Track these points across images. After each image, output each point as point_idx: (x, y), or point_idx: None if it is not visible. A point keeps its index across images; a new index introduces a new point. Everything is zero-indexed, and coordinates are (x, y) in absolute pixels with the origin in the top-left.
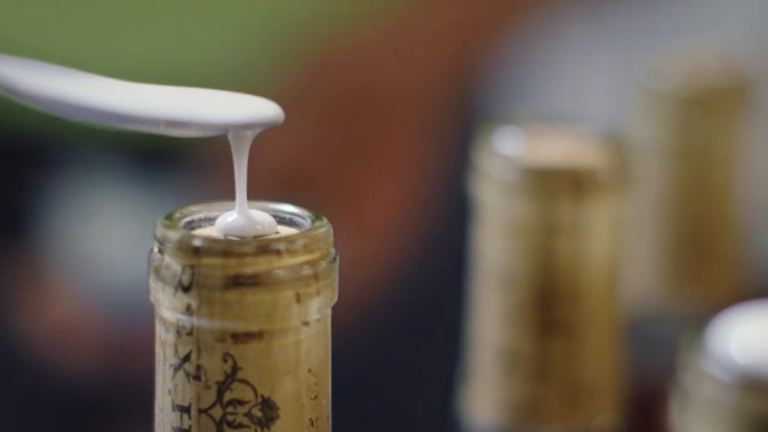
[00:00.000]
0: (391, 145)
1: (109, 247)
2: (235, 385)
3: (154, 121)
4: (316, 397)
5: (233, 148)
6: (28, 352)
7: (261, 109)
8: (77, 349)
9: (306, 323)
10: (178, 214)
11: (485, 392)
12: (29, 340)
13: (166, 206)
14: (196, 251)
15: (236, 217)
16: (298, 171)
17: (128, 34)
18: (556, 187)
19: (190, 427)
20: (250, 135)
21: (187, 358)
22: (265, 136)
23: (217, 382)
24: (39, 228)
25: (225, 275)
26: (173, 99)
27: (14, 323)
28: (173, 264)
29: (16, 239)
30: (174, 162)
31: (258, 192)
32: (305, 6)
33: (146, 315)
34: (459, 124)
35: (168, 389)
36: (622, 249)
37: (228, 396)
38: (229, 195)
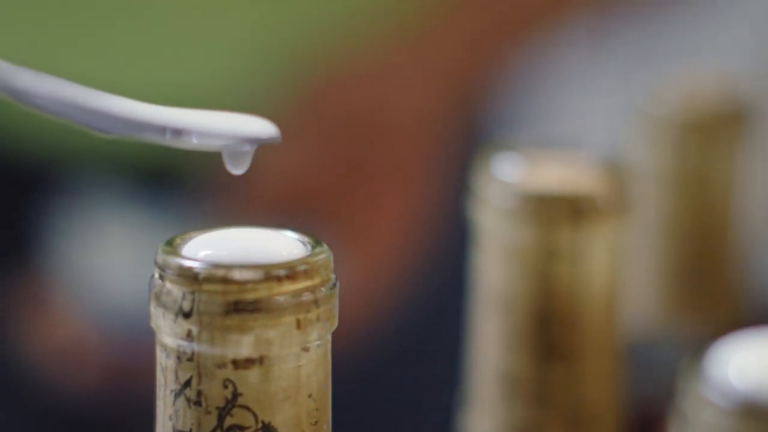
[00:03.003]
0: (392, 168)
1: (112, 267)
2: (235, 410)
3: (160, 129)
4: (316, 422)
5: (230, 166)
6: (30, 373)
7: (260, 126)
8: (79, 370)
9: (306, 349)
10: (178, 240)
11: (485, 416)
12: (32, 360)
13: (168, 228)
14: (197, 277)
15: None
16: (299, 193)
17: (129, 59)
18: (555, 212)
19: None
20: (246, 151)
21: (187, 384)
22: (267, 158)
23: (217, 408)
24: (42, 249)
25: (225, 301)
26: (177, 113)
27: (17, 344)
28: (174, 290)
29: (19, 260)
30: (176, 184)
31: (259, 213)
32: (307, 29)
33: (148, 336)
34: (460, 149)
35: (169, 415)
36: (621, 274)
37: (228, 421)
38: (231, 217)
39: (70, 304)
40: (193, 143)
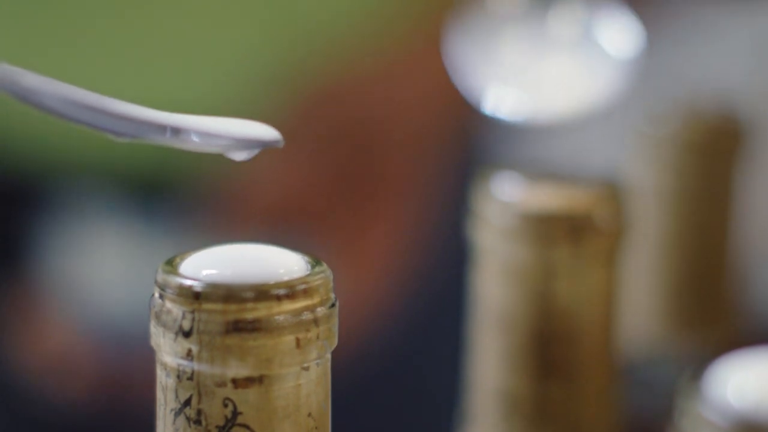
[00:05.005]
0: (386, 181)
1: (104, 278)
2: (235, 429)
3: (161, 128)
4: None
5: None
6: (22, 383)
7: (262, 130)
8: (71, 380)
9: (306, 368)
10: (178, 259)
11: None
12: (24, 370)
13: (160, 239)
14: (197, 297)
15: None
16: (294, 207)
17: (126, 70)
18: (554, 231)
19: None
20: (247, 155)
21: (187, 403)
22: (261, 171)
23: (217, 427)
24: (34, 259)
25: (225, 321)
26: (178, 116)
27: (9, 354)
28: (174, 309)
29: (11, 271)
30: (169, 196)
31: (252, 226)
32: (303, 42)
33: (139, 347)
34: (457, 164)
35: None
36: (620, 292)
37: None
38: (223, 229)
39: (62, 315)
40: (193, 144)
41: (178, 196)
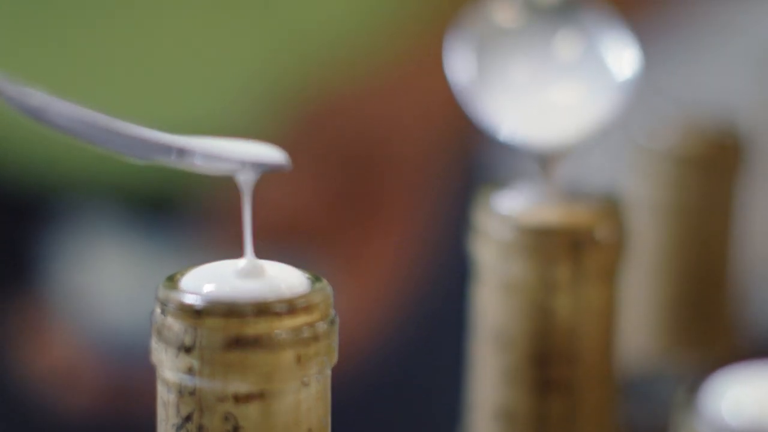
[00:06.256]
0: (389, 198)
1: (108, 292)
2: None
3: (166, 149)
4: None
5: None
6: (28, 395)
7: (269, 152)
8: (75, 392)
9: (306, 383)
10: (180, 275)
11: None
12: (29, 382)
13: (163, 254)
14: (198, 313)
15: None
16: (295, 223)
17: (126, 89)
18: (554, 247)
19: None
20: (253, 177)
21: (189, 418)
22: (262, 187)
23: None
24: (39, 273)
25: (226, 336)
26: (184, 138)
27: (15, 366)
28: (175, 325)
29: (17, 284)
30: (173, 212)
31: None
32: (302, 61)
33: (142, 359)
34: (459, 180)
35: None
36: (619, 308)
37: None
38: (227, 245)
39: (67, 328)
40: (199, 166)
41: (182, 211)
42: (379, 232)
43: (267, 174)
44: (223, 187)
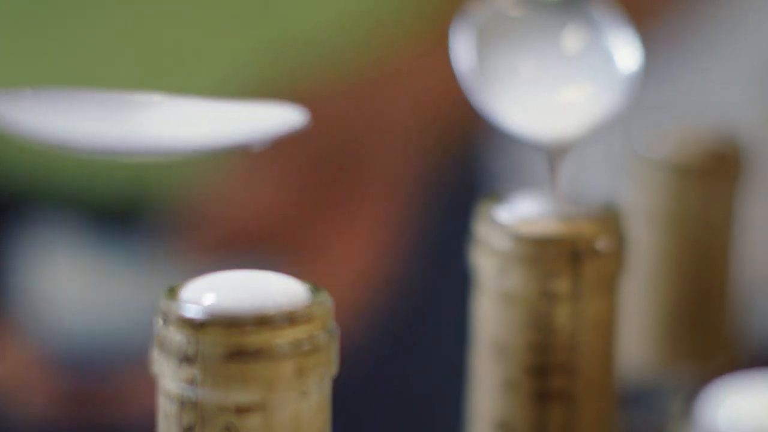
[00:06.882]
0: (368, 202)
1: (64, 298)
2: None
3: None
4: None
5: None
6: None
7: (283, 115)
8: (31, 399)
9: (306, 394)
10: (181, 286)
11: None
12: None
13: (121, 259)
14: (200, 324)
15: None
16: (273, 226)
17: (116, 82)
18: (553, 257)
19: None
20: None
21: (190, 429)
22: (240, 188)
23: None
24: None
25: (227, 347)
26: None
27: None
28: (177, 336)
29: None
30: (134, 217)
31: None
32: (284, 58)
33: (98, 366)
34: (457, 188)
35: None
36: (618, 318)
37: None
38: (188, 254)
39: (22, 332)
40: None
41: (142, 220)
42: (352, 232)
43: (236, 172)
44: (190, 193)
